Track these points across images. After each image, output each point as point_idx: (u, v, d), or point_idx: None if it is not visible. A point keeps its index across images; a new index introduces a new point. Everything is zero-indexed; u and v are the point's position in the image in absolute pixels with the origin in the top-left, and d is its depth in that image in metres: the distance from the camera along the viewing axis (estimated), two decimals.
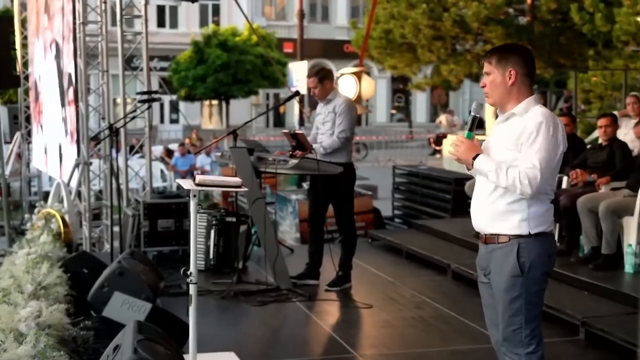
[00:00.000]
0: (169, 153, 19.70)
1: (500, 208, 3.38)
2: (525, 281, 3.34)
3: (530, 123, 3.29)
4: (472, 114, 3.47)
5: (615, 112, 9.10)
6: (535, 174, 3.23)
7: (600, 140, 7.38)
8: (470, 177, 9.68)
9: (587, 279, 6.20)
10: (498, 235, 3.40)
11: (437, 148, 27.38)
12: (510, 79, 3.36)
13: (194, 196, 4.28)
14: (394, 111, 40.78)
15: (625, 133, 7.97)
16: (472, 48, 19.50)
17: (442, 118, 31.40)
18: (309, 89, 7.27)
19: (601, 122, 7.24)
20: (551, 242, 3.45)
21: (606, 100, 16.68)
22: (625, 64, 16.09)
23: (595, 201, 6.52)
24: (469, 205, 11.08)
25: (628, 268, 6.33)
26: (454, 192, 10.33)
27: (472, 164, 3.36)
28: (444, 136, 25.98)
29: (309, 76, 6.75)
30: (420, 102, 40.45)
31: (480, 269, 3.56)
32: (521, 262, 3.33)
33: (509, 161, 3.31)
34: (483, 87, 3.45)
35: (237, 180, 4.45)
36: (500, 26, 17.92)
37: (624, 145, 7.16)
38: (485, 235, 3.47)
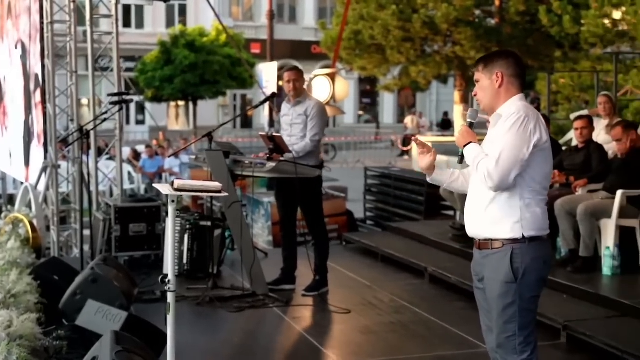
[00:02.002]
0: (137, 155, 19.43)
1: (494, 212, 3.33)
2: (519, 287, 3.30)
3: (504, 116, 3.30)
4: (469, 120, 3.46)
5: (586, 111, 9.14)
6: (492, 166, 3.21)
7: (576, 142, 7.38)
8: None
9: (566, 282, 6.17)
10: (492, 240, 3.35)
11: (405, 149, 27.43)
12: (497, 81, 3.36)
13: (173, 201, 4.16)
14: (361, 112, 40.82)
15: (597, 134, 7.98)
16: (441, 49, 19.56)
17: (408, 119, 31.43)
18: (278, 89, 7.14)
19: (577, 124, 7.24)
20: (546, 247, 3.40)
21: (574, 102, 16.81)
22: (592, 65, 16.23)
23: (573, 203, 6.50)
24: (442, 207, 11.09)
25: (606, 271, 6.32)
26: (426, 194, 10.29)
27: (468, 149, 3.38)
28: (412, 137, 26.00)
29: (288, 69, 6.61)
30: (387, 103, 40.53)
31: (474, 275, 3.51)
32: (515, 268, 3.29)
33: None
34: (475, 95, 3.44)
35: (217, 185, 4.33)
36: (469, 28, 17.99)
37: (600, 147, 7.17)
38: (479, 240, 3.42)
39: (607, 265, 6.32)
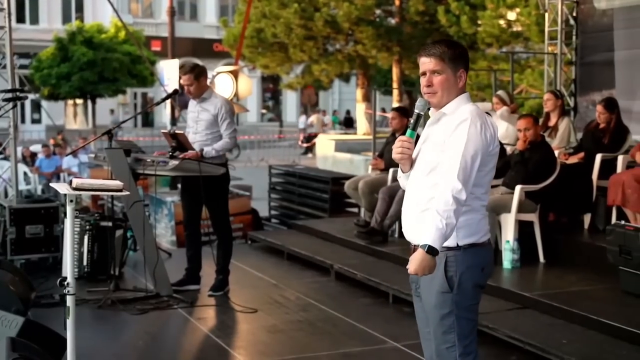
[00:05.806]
0: (32, 155, 18.75)
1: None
2: (455, 297, 3.09)
3: (455, 121, 3.05)
4: (417, 111, 3.15)
5: (488, 104, 9.37)
6: (454, 185, 2.94)
7: None
8: (349, 177, 9.69)
9: None
10: None
11: (306, 145, 27.58)
12: (460, 80, 3.12)
13: (71, 201, 4.02)
14: (264, 111, 40.74)
15: None
16: (343, 48, 19.76)
17: (314, 117, 31.55)
18: (180, 87, 7.00)
19: None
20: (484, 253, 3.17)
21: (472, 100, 17.28)
22: (489, 65, 16.72)
23: None
24: (346, 204, 11.11)
25: (506, 264, 6.48)
26: (331, 192, 10.36)
27: (436, 248, 2.94)
28: (315, 135, 26.18)
29: (184, 73, 6.46)
30: (290, 101, 40.60)
31: (412, 282, 3.30)
32: (449, 277, 3.07)
33: (433, 165, 3.10)
34: (429, 85, 3.10)
35: (118, 183, 4.21)
36: (370, 27, 18.23)
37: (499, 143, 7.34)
38: (414, 246, 3.12)
39: (507, 259, 6.48)
